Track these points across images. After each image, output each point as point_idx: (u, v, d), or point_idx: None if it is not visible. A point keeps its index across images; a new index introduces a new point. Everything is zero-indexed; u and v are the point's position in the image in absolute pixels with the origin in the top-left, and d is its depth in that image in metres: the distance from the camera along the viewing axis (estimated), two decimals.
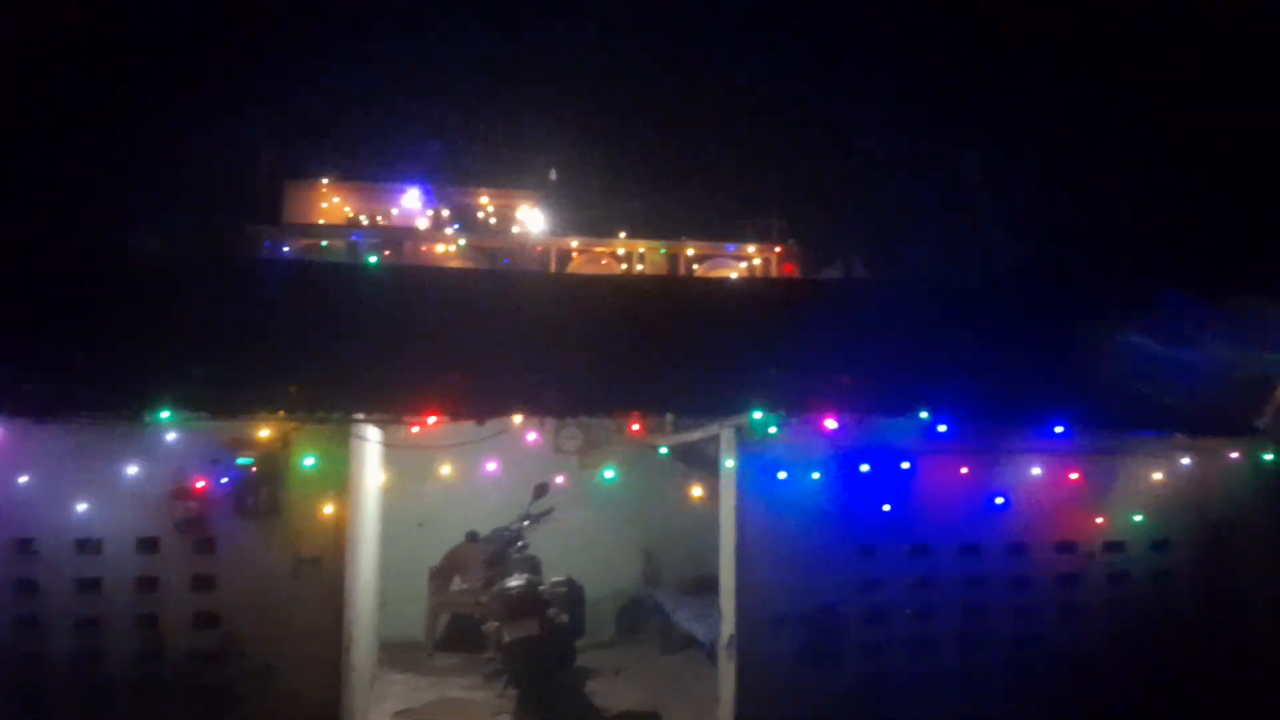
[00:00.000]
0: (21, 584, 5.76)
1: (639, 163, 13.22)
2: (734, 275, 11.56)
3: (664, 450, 8.20)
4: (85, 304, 6.39)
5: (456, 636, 9.77)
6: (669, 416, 7.71)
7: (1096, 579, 6.91)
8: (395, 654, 9.52)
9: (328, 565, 6.05)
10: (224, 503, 5.94)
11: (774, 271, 11.64)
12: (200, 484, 5.91)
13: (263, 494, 5.99)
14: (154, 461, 5.85)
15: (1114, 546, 6.97)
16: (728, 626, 6.55)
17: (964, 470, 6.71)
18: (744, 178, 13.14)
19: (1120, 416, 6.74)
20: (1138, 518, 6.96)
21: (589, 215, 12.03)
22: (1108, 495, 6.94)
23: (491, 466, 7.01)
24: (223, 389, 5.85)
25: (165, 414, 5.69)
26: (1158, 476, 6.96)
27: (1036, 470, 6.80)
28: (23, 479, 5.71)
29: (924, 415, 6.41)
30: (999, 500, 6.75)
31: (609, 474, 7.48)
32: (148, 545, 5.89)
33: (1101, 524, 6.92)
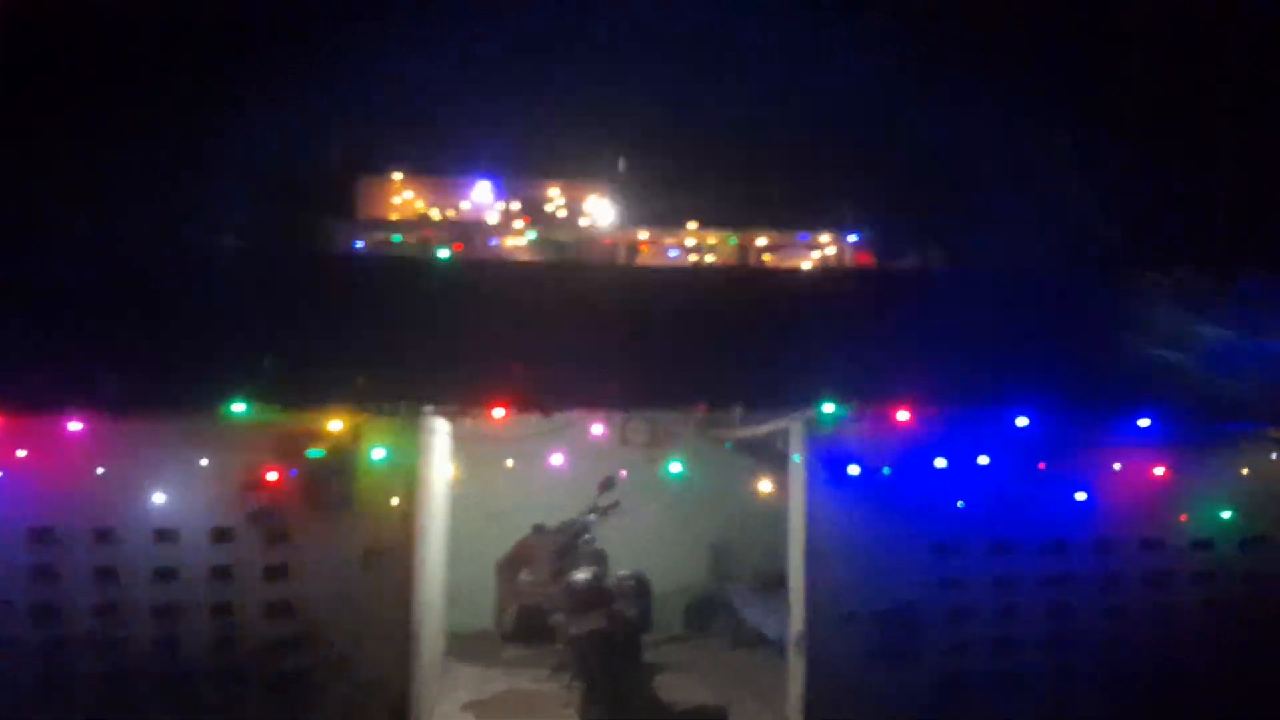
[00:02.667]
0: (103, 572, 5.92)
1: (709, 152, 13.08)
2: (806, 266, 11.40)
3: (729, 443, 8.13)
4: (161, 301, 6.51)
5: (525, 628, 9.83)
6: (737, 409, 7.62)
7: (1183, 578, 6.65)
8: (465, 645, 9.60)
9: (397, 556, 6.10)
10: (296, 494, 6.02)
11: (847, 261, 11.46)
12: (273, 476, 5.99)
13: (333, 486, 6.06)
14: (228, 454, 5.95)
15: (1202, 544, 6.70)
16: (797, 623, 6.45)
17: (1044, 465, 6.51)
18: (817, 166, 12.93)
19: (1207, 409, 6.46)
20: (1226, 514, 6.68)
21: (659, 206, 11.96)
22: (1195, 490, 6.68)
23: (558, 459, 7.03)
24: (294, 383, 5.93)
25: (239, 407, 5.78)
26: (1246, 471, 6.68)
27: (1120, 464, 6.57)
28: (103, 471, 5.85)
29: (1003, 407, 6.23)
30: (1081, 496, 6.53)
31: (676, 467, 7.43)
32: (222, 535, 6.00)
33: (1187, 520, 6.66)
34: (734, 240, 11.52)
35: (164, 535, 5.97)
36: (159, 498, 5.90)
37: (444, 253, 11.23)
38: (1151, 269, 7.68)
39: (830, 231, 11.59)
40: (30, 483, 5.87)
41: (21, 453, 5.85)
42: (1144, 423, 6.39)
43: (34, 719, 5.79)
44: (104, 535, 5.94)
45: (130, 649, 5.89)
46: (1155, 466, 6.61)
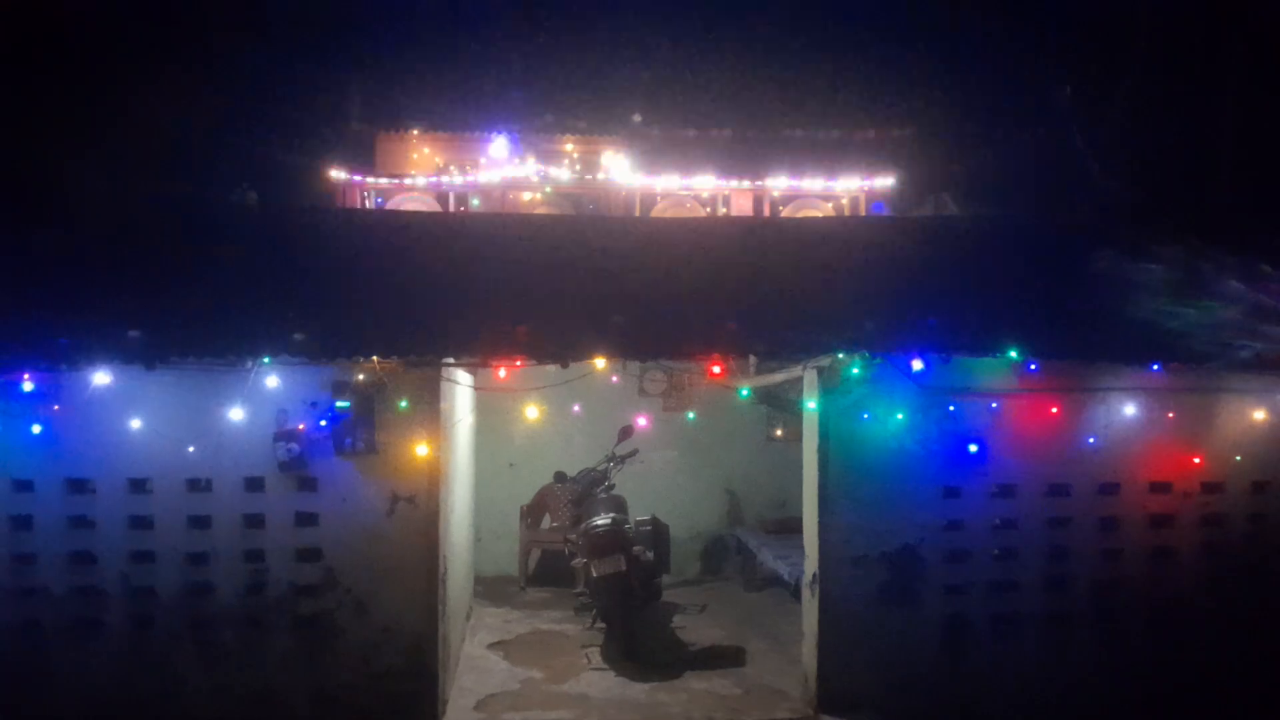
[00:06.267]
0: (137, 520, 6.12)
1: (725, 104, 13.07)
2: (820, 215, 11.40)
3: (744, 392, 8.26)
4: (190, 256, 6.65)
5: (547, 572, 10.12)
6: (752, 359, 7.74)
7: (1191, 521, 6.75)
8: (490, 588, 9.89)
9: (423, 503, 6.27)
10: (323, 443, 6.17)
11: (863, 211, 11.45)
12: (301, 426, 6.16)
13: (360, 435, 6.20)
14: (257, 405, 6.09)
15: (1211, 488, 6.78)
16: (811, 565, 6.61)
17: (1054, 410, 6.59)
18: (834, 115, 12.90)
19: (1219, 353, 6.52)
20: (1237, 458, 6.76)
21: (674, 159, 11.98)
22: (1206, 434, 6.74)
23: (577, 409, 7.17)
24: (319, 335, 6.05)
25: (266, 359, 5.93)
26: (1260, 415, 6.74)
27: (1130, 409, 6.65)
28: (135, 423, 6.03)
29: (1013, 354, 6.30)
30: (1090, 440, 6.63)
31: (691, 415, 7.57)
32: (254, 484, 6.18)
33: (1199, 464, 6.74)
34: (748, 186, 11.48)
35: (197, 484, 6.17)
36: (192, 448, 6.09)
37: (462, 208, 11.33)
38: (1165, 218, 7.68)
39: (846, 181, 11.57)
40: (67, 436, 6.05)
41: (57, 407, 6.04)
42: (1155, 367, 6.45)
43: (65, 664, 6.03)
44: (140, 485, 6.15)
45: (161, 595, 6.11)
46: (1167, 411, 6.69)
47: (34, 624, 6.05)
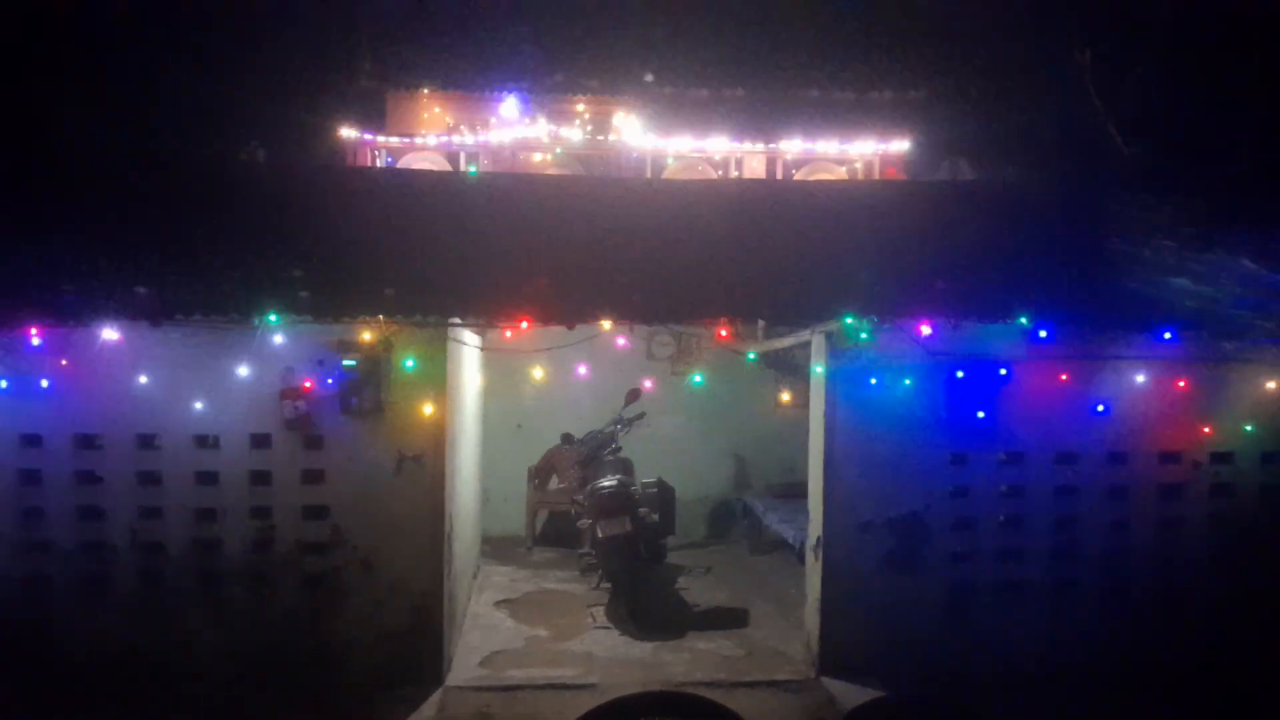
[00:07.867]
0: (145, 476, 6.16)
1: (739, 65, 12.91)
2: (832, 178, 11.30)
3: (751, 356, 8.24)
4: (197, 212, 6.63)
5: (554, 532, 10.19)
6: (760, 323, 7.70)
7: (1200, 491, 6.72)
8: (497, 548, 9.96)
9: (429, 463, 6.28)
10: (330, 402, 6.19)
11: (877, 174, 11.34)
12: (307, 384, 6.17)
13: (366, 394, 6.21)
14: (264, 363, 6.10)
15: (1221, 458, 6.75)
16: (815, 530, 6.62)
17: (1064, 377, 6.55)
18: (849, 77, 12.75)
19: (1232, 323, 6.46)
20: (1248, 428, 6.72)
21: (686, 120, 11.88)
22: (1216, 404, 6.69)
23: (585, 371, 7.18)
24: (327, 293, 6.05)
25: (273, 317, 5.93)
26: (1271, 386, 6.69)
27: (1141, 378, 6.60)
28: (143, 379, 6.05)
29: (1023, 321, 6.26)
30: (1099, 408, 6.60)
31: (698, 379, 7.55)
32: (261, 441, 6.20)
33: (1209, 434, 6.70)
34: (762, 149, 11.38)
35: (204, 441, 6.20)
36: (199, 405, 6.11)
37: (473, 169, 11.26)
38: (1182, 185, 7.58)
39: (861, 143, 11.46)
40: (75, 392, 6.07)
41: (65, 362, 6.05)
42: (1166, 336, 6.40)
43: (74, 617, 6.09)
44: (148, 441, 6.18)
45: (170, 551, 6.16)
46: (1178, 380, 6.64)
47: (43, 578, 6.12)
